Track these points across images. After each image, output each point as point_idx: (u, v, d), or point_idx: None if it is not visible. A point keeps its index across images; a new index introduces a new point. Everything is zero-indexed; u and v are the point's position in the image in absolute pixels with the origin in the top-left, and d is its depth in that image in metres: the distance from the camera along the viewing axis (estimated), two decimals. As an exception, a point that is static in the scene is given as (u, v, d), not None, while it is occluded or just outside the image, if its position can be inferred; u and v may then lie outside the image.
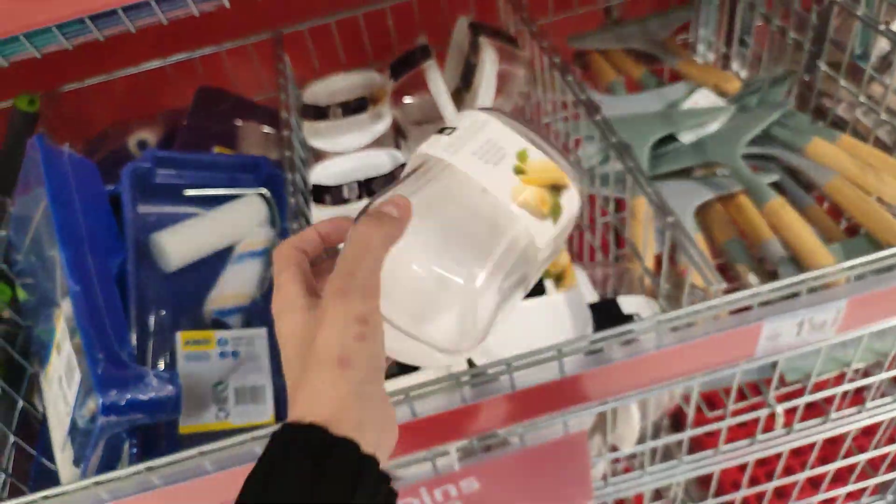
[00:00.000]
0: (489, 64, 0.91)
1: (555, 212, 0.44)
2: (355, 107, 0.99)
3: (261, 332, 0.67)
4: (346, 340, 0.36)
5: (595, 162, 0.89)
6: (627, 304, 0.68)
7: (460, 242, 0.41)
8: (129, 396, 0.54)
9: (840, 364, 0.69)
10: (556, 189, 0.44)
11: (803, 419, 0.72)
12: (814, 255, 0.69)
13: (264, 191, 0.78)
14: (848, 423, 0.73)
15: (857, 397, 0.74)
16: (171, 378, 0.55)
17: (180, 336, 0.64)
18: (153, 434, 0.62)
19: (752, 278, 0.73)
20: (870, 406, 0.73)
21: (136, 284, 0.65)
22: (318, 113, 0.99)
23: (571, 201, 0.45)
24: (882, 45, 0.88)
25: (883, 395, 0.75)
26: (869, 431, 0.80)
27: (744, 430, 0.74)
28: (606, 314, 0.67)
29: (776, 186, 0.84)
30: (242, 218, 0.75)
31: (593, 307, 0.68)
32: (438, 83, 0.91)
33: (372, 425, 0.37)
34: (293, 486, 0.34)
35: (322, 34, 1.03)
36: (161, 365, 0.64)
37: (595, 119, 0.79)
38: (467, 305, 0.41)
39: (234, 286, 0.70)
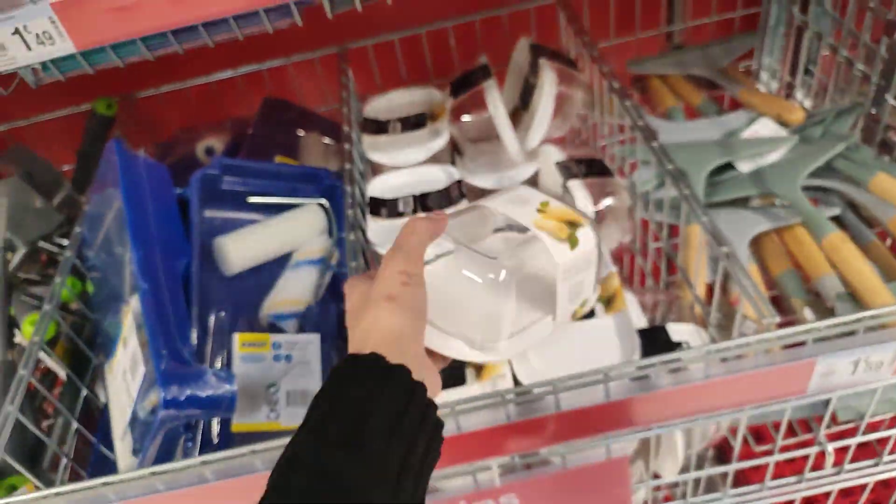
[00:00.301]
0: (548, 85, 0.92)
1: (572, 240, 0.54)
2: (414, 122, 1.01)
3: (314, 338, 0.69)
4: (393, 284, 0.45)
5: (650, 187, 0.89)
6: (676, 331, 0.68)
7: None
8: (188, 392, 0.56)
9: (895, 406, 0.67)
10: (573, 224, 0.55)
11: (854, 459, 0.71)
12: (873, 292, 0.68)
13: (324, 201, 0.81)
14: (901, 467, 0.71)
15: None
16: (228, 377, 0.58)
17: (238, 337, 0.66)
18: (207, 430, 0.64)
19: (807, 313, 0.72)
20: (925, 451, 0.71)
21: (199, 286, 0.68)
22: (378, 127, 1.01)
23: (587, 237, 0.54)
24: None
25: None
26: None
27: (790, 467, 0.73)
28: (654, 340, 0.67)
29: (837, 221, 0.83)
30: (301, 226, 0.78)
31: (642, 333, 0.68)
32: (497, 102, 0.92)
33: (415, 358, 0.44)
34: (357, 398, 0.40)
35: (385, 50, 1.06)
36: (218, 364, 0.67)
37: (651, 145, 0.79)
38: (489, 301, 0.51)
39: (290, 292, 0.73)
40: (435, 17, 1.05)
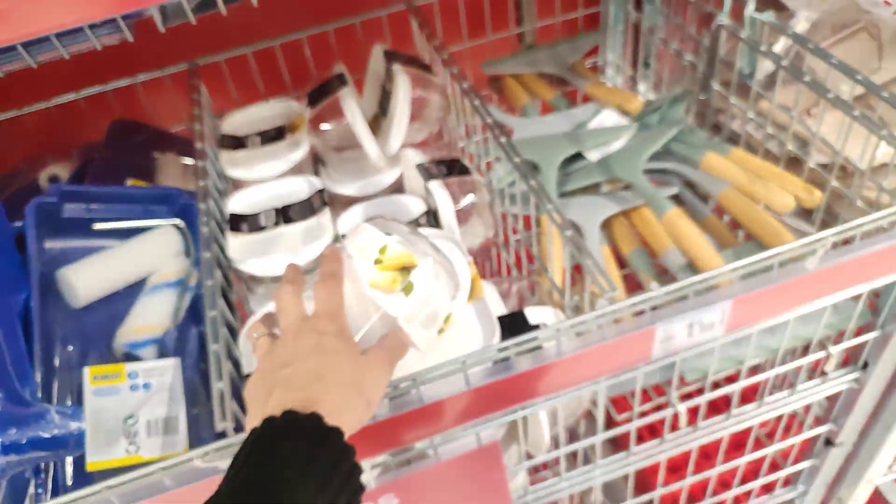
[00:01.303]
0: (402, 90, 0.94)
1: (406, 288, 0.59)
2: (273, 135, 1.00)
3: (174, 363, 0.67)
4: (374, 392, 0.53)
5: (507, 182, 0.92)
6: (534, 315, 0.70)
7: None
8: (30, 434, 0.53)
9: (736, 362, 0.72)
10: (406, 269, 0.60)
11: (709, 416, 0.76)
12: (707, 260, 0.74)
13: (178, 221, 0.78)
14: (749, 418, 0.77)
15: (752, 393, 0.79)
16: (74, 413, 0.55)
17: (88, 371, 0.63)
18: (60, 472, 0.61)
19: (653, 285, 0.76)
20: (768, 400, 0.77)
21: (40, 321, 0.64)
22: (236, 143, 1.00)
23: (424, 275, 0.60)
24: (767, 64, 0.95)
25: (780, 390, 0.80)
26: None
27: (658, 432, 0.77)
28: (513, 325, 0.69)
29: (676, 199, 0.89)
30: (155, 249, 0.75)
31: (501, 319, 0.70)
32: (354, 110, 0.93)
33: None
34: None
35: (240, 64, 1.04)
36: (68, 401, 0.63)
37: (500, 141, 0.82)
38: None
39: (146, 318, 0.70)
40: (289, 29, 1.04)
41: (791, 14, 0.97)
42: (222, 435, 0.56)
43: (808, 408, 0.87)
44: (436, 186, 0.87)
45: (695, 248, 0.75)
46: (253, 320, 0.57)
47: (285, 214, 0.87)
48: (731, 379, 0.77)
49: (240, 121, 1.04)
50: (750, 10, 0.86)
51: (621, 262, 0.85)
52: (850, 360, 0.81)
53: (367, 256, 0.63)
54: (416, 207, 0.90)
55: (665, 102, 0.98)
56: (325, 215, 0.86)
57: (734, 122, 0.96)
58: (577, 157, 0.93)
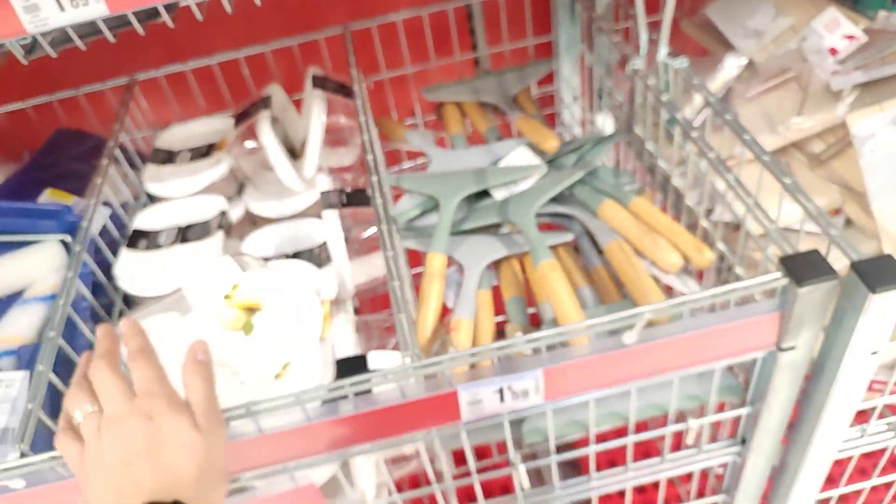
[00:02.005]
0: (316, 115, 0.94)
1: (247, 327, 0.63)
2: (203, 152, 1.03)
3: (22, 375, 0.69)
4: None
5: (409, 217, 0.91)
6: (377, 359, 0.70)
7: None
8: None
9: (582, 427, 0.70)
10: (251, 310, 0.64)
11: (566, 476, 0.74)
12: (562, 317, 0.71)
13: (65, 237, 0.81)
14: (612, 483, 0.74)
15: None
16: None
17: (-69, 380, 0.66)
18: None
19: (518, 337, 0.74)
20: (633, 466, 0.74)
21: None
22: (167, 157, 1.02)
23: (268, 318, 0.64)
24: (695, 106, 0.90)
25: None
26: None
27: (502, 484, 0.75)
28: (350, 370, 0.69)
29: (573, 246, 0.86)
30: (34, 264, 0.78)
31: (339, 363, 0.69)
32: (267, 133, 0.94)
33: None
34: None
35: (182, 80, 1.07)
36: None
37: (393, 173, 0.81)
38: None
39: (8, 330, 0.73)
40: (228, 47, 1.06)
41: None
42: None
43: (704, 473, 0.83)
44: (329, 215, 0.88)
45: (556, 303, 0.72)
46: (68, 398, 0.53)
47: (184, 234, 0.89)
48: (602, 438, 0.74)
49: (177, 135, 1.07)
50: (662, 55, 0.83)
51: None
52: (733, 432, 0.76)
53: (218, 289, 0.66)
54: (320, 235, 0.90)
55: (590, 142, 0.95)
56: (218, 239, 0.87)
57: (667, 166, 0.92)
58: (488, 193, 0.92)
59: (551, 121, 1.21)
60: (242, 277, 0.67)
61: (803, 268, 0.57)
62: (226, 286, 0.66)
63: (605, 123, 1.11)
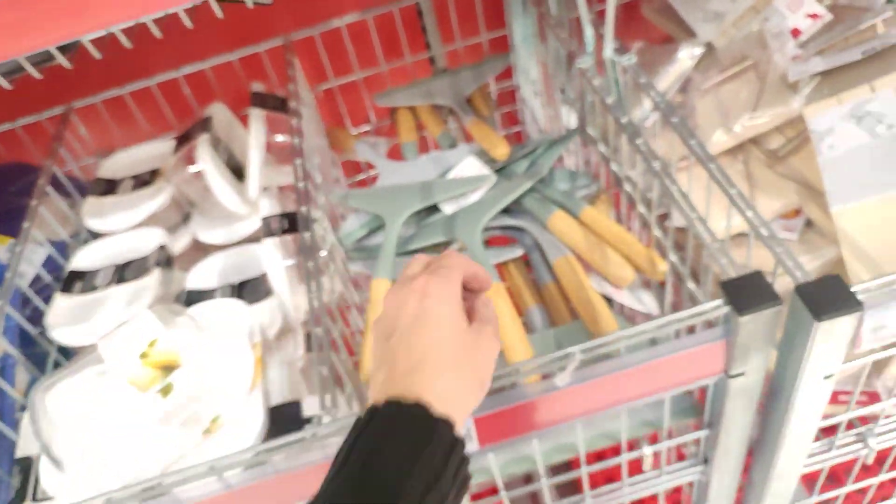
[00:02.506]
0: (255, 135, 0.90)
1: (165, 389, 0.60)
2: (146, 179, 0.99)
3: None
4: (487, 368, 0.46)
5: (354, 239, 0.87)
6: (312, 405, 0.66)
7: None
8: None
9: (530, 462, 0.66)
10: (169, 369, 0.61)
11: None
12: (508, 349, 0.67)
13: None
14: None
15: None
16: None
17: None
18: None
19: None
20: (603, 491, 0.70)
21: None
22: (108, 187, 0.99)
23: (187, 376, 0.61)
24: (646, 106, 0.85)
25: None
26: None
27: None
28: (283, 418, 0.65)
29: (524, 262, 0.82)
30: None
31: (272, 411, 0.66)
32: (206, 157, 0.90)
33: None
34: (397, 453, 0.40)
35: (121, 106, 1.03)
36: None
37: (343, 190, 0.78)
38: None
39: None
40: (167, 66, 1.02)
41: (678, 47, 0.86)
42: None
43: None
44: (266, 246, 0.84)
45: (504, 334, 0.68)
46: None
47: (121, 273, 0.85)
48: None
49: (120, 162, 1.03)
50: (608, 52, 0.77)
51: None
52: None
53: (133, 347, 0.63)
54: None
55: (543, 145, 0.90)
56: (154, 277, 0.83)
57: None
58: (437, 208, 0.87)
59: (512, 119, 1.16)
60: (161, 332, 0.63)
61: (744, 294, 0.52)
62: (141, 343, 0.62)
63: (570, 119, 1.06)
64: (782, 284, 0.55)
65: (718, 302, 0.53)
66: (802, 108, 0.70)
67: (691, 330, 0.56)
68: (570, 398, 0.56)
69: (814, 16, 0.84)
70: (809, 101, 0.70)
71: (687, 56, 0.84)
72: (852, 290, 0.50)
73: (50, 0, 0.53)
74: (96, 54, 0.63)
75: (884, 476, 0.72)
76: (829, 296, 0.50)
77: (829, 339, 0.51)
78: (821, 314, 0.49)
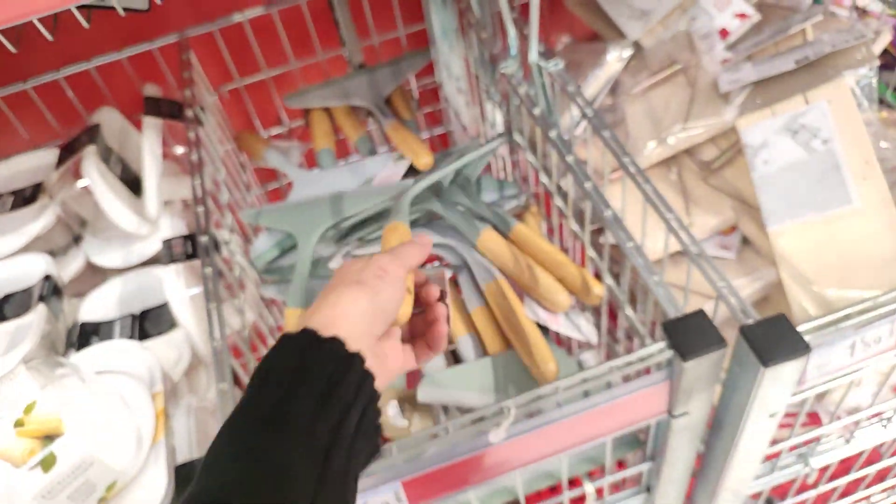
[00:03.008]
0: (147, 149, 0.81)
1: (45, 462, 0.53)
2: (28, 195, 0.88)
3: None
4: (368, 273, 0.45)
5: (266, 260, 0.80)
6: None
7: None
8: None
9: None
10: (50, 438, 0.54)
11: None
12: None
13: None
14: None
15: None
16: None
17: None
18: None
19: (391, 409, 0.65)
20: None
21: None
22: (-19, 206, 0.87)
23: (72, 445, 0.54)
24: (575, 112, 0.81)
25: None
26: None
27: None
28: (191, 477, 0.58)
29: (454, 283, 0.76)
30: None
31: (179, 468, 0.59)
32: (94, 174, 0.80)
33: (362, 340, 0.42)
34: (288, 368, 0.40)
35: (-8, 111, 0.91)
36: None
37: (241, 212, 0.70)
38: None
39: None
40: (46, 67, 0.90)
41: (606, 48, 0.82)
42: None
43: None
44: (168, 274, 0.76)
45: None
46: None
47: (1, 309, 0.75)
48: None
49: (2, 174, 0.91)
50: (533, 56, 0.72)
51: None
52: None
53: (5, 416, 0.54)
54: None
55: (468, 151, 0.84)
56: (39, 314, 0.74)
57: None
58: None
59: (435, 119, 1.10)
60: (38, 394, 0.55)
61: (687, 337, 0.49)
62: (16, 410, 0.54)
63: (496, 117, 1.01)
64: (721, 311, 0.52)
65: (661, 345, 0.49)
66: (735, 120, 0.67)
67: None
68: (507, 452, 0.52)
69: (742, 15, 0.81)
70: (742, 111, 0.67)
71: (615, 58, 0.79)
72: (799, 330, 0.47)
73: None
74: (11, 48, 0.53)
75: (823, 488, 0.72)
76: (775, 339, 0.47)
77: (776, 382, 0.49)
78: (768, 360, 0.46)
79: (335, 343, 0.41)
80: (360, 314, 0.43)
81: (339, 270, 0.47)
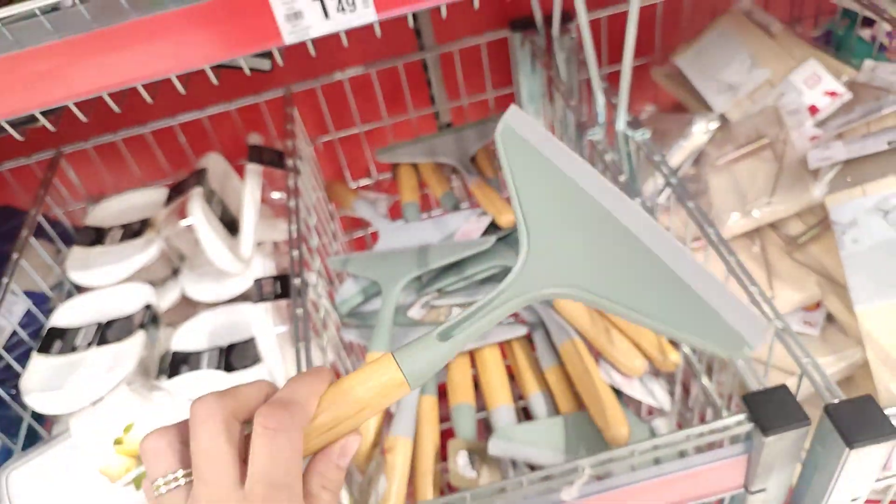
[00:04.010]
0: (249, 190, 0.87)
1: (136, 481, 0.56)
2: (136, 229, 0.95)
3: None
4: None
5: (352, 305, 0.83)
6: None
7: None
8: None
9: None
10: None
11: None
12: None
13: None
14: None
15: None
16: None
17: None
18: None
19: (461, 459, 0.66)
20: None
21: None
22: (96, 236, 0.95)
23: None
24: (660, 180, 0.82)
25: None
26: None
27: None
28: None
29: (528, 340, 0.78)
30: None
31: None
32: (198, 213, 0.86)
33: None
34: None
35: (112, 151, 1.00)
36: None
37: (329, 259, 0.74)
38: None
39: None
40: (163, 114, 0.99)
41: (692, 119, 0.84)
42: None
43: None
44: (258, 311, 0.80)
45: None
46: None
47: (104, 333, 0.81)
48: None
49: (110, 210, 0.99)
50: (620, 125, 0.74)
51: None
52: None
53: (106, 433, 0.59)
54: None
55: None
56: (138, 340, 0.79)
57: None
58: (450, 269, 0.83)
59: (516, 177, 1.13)
60: (137, 415, 0.59)
61: (770, 411, 0.48)
62: (116, 428, 0.58)
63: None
64: (804, 388, 0.51)
65: (741, 417, 0.49)
66: (824, 197, 0.67)
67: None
68: (579, 511, 0.52)
69: (832, 94, 0.82)
70: (831, 189, 0.67)
71: (702, 130, 0.81)
72: (886, 413, 0.46)
73: (32, 66, 0.50)
74: (82, 118, 0.60)
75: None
76: (861, 420, 0.46)
77: (860, 465, 0.47)
78: (853, 441, 0.45)
79: None
80: None
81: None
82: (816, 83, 0.82)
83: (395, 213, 1.02)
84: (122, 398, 0.60)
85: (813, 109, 0.81)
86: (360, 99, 1.02)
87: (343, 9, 0.51)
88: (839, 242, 0.63)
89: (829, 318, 0.69)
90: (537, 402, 0.70)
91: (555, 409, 0.70)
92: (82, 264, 0.89)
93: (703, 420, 0.72)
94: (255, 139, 0.96)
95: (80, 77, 0.51)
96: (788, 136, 0.76)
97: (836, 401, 0.48)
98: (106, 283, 0.87)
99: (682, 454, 0.52)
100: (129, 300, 0.85)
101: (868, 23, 0.92)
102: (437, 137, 1.06)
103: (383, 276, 0.81)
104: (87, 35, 0.50)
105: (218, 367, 0.80)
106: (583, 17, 0.68)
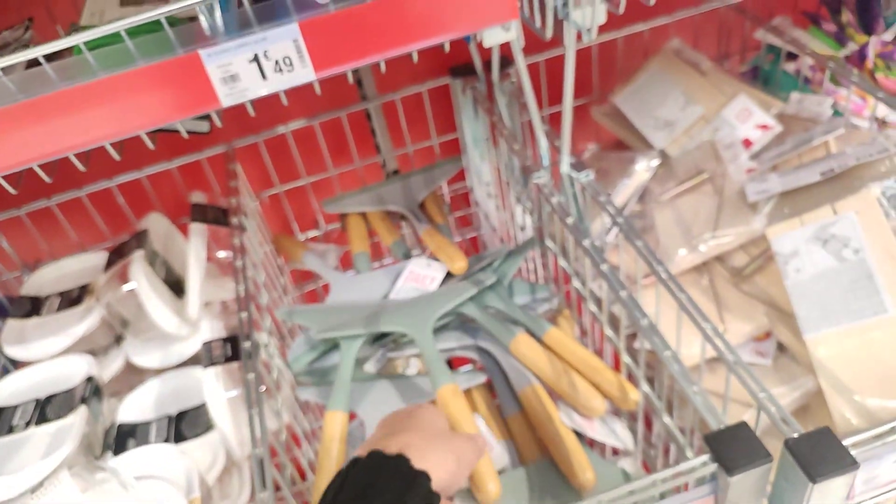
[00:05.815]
0: (192, 254, 0.84)
1: None
2: (75, 297, 0.91)
3: None
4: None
5: (304, 363, 0.81)
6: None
7: None
8: None
9: None
10: None
11: None
12: (477, 485, 0.61)
13: None
14: None
15: None
16: None
17: None
18: None
19: None
20: None
21: None
22: (32, 306, 0.90)
23: None
24: (607, 219, 0.83)
25: None
26: None
27: None
28: None
29: (489, 388, 0.77)
30: None
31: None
32: (139, 277, 0.83)
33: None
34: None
35: (46, 217, 0.96)
36: None
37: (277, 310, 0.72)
38: None
39: None
40: (99, 176, 0.96)
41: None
42: None
43: None
44: (208, 377, 0.77)
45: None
46: None
47: (43, 410, 0.77)
48: None
49: (47, 277, 0.95)
50: (565, 167, 0.75)
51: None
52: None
53: None
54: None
55: (500, 256, 0.87)
56: (80, 416, 0.75)
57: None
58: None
59: (466, 222, 1.14)
60: (80, 499, 0.55)
61: (732, 450, 0.48)
62: None
63: (526, 221, 1.04)
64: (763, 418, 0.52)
65: (705, 458, 0.49)
66: (765, 229, 0.69)
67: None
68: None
69: (764, 126, 0.85)
70: (771, 220, 0.69)
71: (644, 168, 0.83)
72: (845, 444, 0.47)
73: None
74: (12, 190, 0.57)
75: None
76: (821, 453, 0.47)
77: (824, 498, 0.48)
78: (816, 476, 0.46)
79: (423, 478, 0.44)
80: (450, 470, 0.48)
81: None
82: (748, 117, 0.85)
83: (347, 262, 1.00)
84: (63, 484, 0.56)
85: (747, 143, 0.84)
86: (305, 151, 1.01)
87: (280, 69, 0.50)
88: (783, 272, 0.65)
89: (780, 347, 0.70)
90: (500, 452, 0.69)
91: (519, 458, 0.69)
92: (18, 338, 0.85)
93: (666, 455, 0.72)
94: (198, 197, 0.94)
95: (6, 150, 0.49)
96: (726, 169, 0.78)
97: (795, 435, 0.49)
98: (44, 356, 0.83)
99: (651, 499, 0.51)
100: (69, 373, 0.81)
101: (792, 57, 0.96)
102: (385, 185, 1.05)
103: (341, 331, 0.79)
104: (13, 106, 0.48)
105: (167, 438, 0.76)
106: (520, 63, 0.69)
